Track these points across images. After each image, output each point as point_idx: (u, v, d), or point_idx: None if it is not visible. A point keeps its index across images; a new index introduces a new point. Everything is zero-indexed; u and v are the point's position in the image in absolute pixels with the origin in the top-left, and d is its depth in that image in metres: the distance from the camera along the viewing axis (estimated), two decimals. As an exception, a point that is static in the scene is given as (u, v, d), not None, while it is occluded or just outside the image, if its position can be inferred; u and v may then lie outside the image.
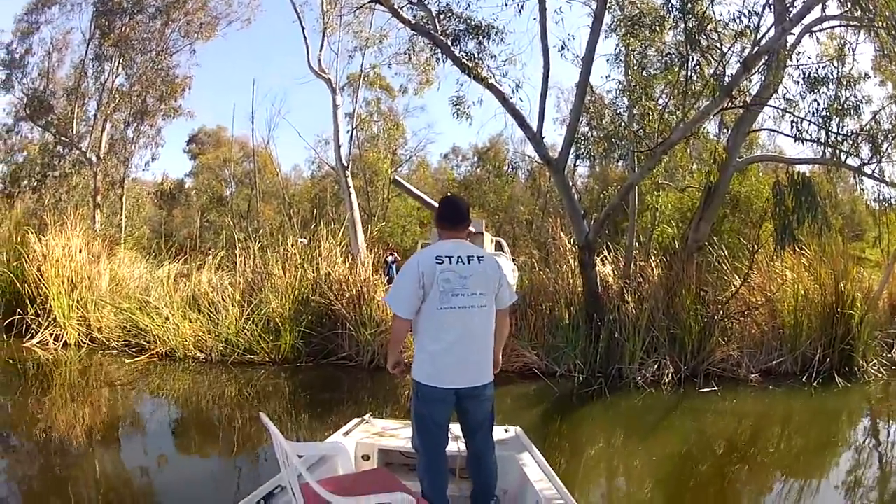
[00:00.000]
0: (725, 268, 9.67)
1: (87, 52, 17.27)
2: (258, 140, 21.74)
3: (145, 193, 21.93)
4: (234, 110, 26.54)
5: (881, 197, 10.41)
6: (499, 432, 3.95)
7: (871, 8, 7.88)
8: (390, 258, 10.94)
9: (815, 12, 8.95)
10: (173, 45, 17.63)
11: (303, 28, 13.92)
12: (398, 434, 3.89)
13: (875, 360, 9.42)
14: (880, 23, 7.98)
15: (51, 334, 9.66)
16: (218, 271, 10.24)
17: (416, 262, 2.98)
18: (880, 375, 9.20)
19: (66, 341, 9.63)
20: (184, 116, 19.89)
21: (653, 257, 9.63)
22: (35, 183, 18.79)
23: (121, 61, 17.04)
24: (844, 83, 9.14)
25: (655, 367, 8.38)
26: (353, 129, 14.59)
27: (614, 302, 8.73)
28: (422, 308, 2.94)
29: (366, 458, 3.74)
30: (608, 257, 9.67)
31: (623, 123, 9.09)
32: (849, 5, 8.44)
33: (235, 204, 24.96)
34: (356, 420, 4.16)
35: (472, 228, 10.81)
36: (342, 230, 9.89)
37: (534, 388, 8.07)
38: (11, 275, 10.45)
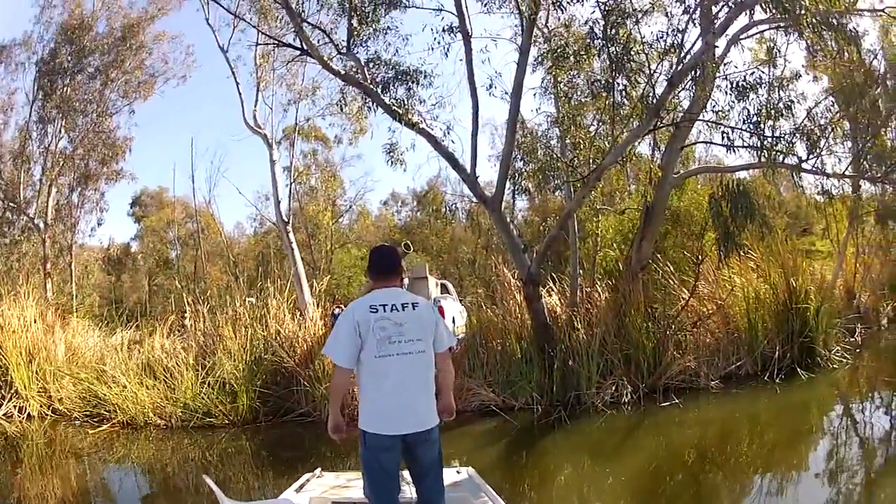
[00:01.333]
0: (672, 283, 9.88)
1: (30, 113, 17.07)
2: (199, 200, 21.84)
3: (93, 260, 21.58)
4: (174, 170, 26.27)
5: (823, 189, 10.69)
6: (450, 474, 4.04)
7: (796, 10, 8.17)
8: (337, 311, 10.96)
9: (742, 20, 9.25)
10: (113, 106, 17.55)
11: (237, 83, 13.93)
12: (351, 485, 3.93)
13: (838, 347, 9.75)
14: (805, 21, 8.26)
15: (14, 406, 9.56)
16: (170, 336, 10.14)
17: (351, 311, 3.08)
18: (845, 360, 9.55)
19: (29, 413, 9.51)
20: (125, 179, 19.61)
21: (598, 282, 9.78)
22: (-16, 251, 18.38)
23: (63, 123, 16.84)
24: (776, 85, 9.43)
25: (613, 388, 8.51)
26: (291, 183, 14.52)
27: (564, 330, 8.83)
28: (361, 357, 3.02)
29: None
30: (554, 287, 9.82)
31: (555, 155, 9.26)
32: (772, 10, 8.68)
33: (182, 266, 24.69)
34: (307, 475, 4.21)
35: (415, 274, 10.99)
36: (288, 286, 9.88)
37: (493, 424, 8.14)
38: None
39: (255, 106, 14.00)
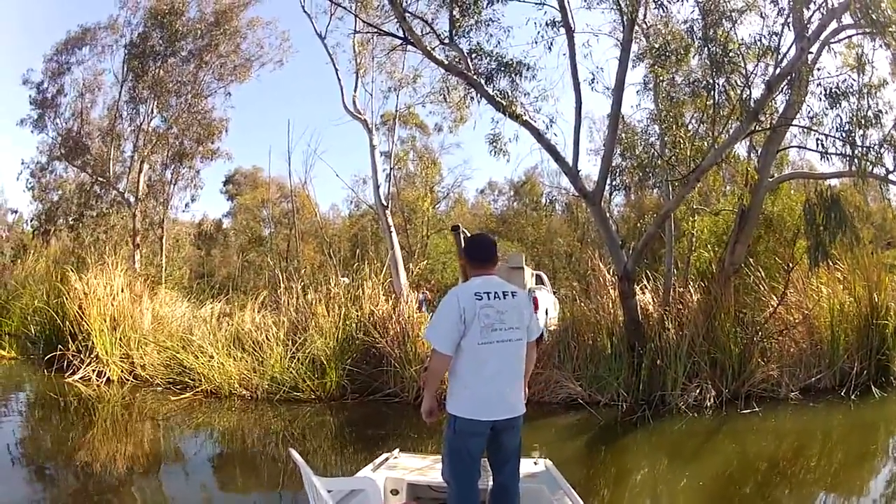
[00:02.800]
0: (762, 288, 9.68)
1: (120, 94, 17.64)
2: (295, 181, 22.14)
3: (185, 234, 22.24)
4: (270, 151, 27.11)
5: (909, 201, 10.31)
6: (528, 465, 4.04)
7: (882, 19, 7.97)
8: (421, 296, 11.11)
9: (832, 24, 9.06)
10: (207, 88, 17.97)
11: (336, 69, 13.98)
12: (426, 469, 3.97)
13: None
14: (890, 32, 8.04)
15: (93, 370, 9.84)
16: (261, 311, 10.36)
17: (455, 298, 3.08)
18: None
19: (108, 378, 9.79)
20: (221, 158, 20.15)
21: (691, 283, 9.64)
22: (71, 221, 19.17)
23: (156, 104, 17.36)
24: (865, 92, 9.18)
25: (697, 391, 8.39)
26: (391, 168, 14.69)
27: (655, 329, 8.75)
28: (461, 344, 3.03)
29: (394, 492, 3.82)
30: (647, 285, 9.73)
31: (655, 152, 9.18)
32: (860, 17, 8.51)
33: (275, 244, 25.29)
34: (385, 455, 4.23)
35: (512, 263, 11.03)
36: (385, 268, 10.01)
37: (578, 418, 8.13)
38: (52, 311, 10.75)
39: (355, 91, 14.10)
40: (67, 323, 10.34)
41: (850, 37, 9.77)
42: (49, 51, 18.69)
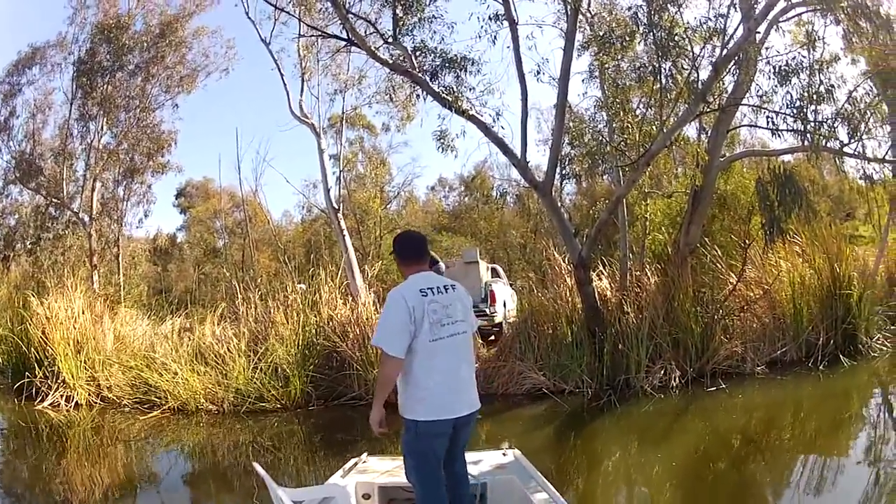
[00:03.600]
0: (720, 267, 9.79)
1: (70, 111, 17.30)
2: (246, 189, 22.01)
3: (140, 250, 21.86)
4: (219, 161, 26.59)
5: (865, 174, 10.55)
6: (496, 457, 4.07)
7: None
8: None
9: (780, 3, 9.20)
10: (155, 101, 17.71)
11: (282, 74, 13.89)
12: (397, 470, 3.90)
13: (879, 335, 9.59)
14: (841, 8, 8.21)
15: (61, 395, 9.65)
16: (220, 323, 10.26)
17: (401, 297, 2.99)
18: (885, 349, 9.36)
19: (76, 402, 9.61)
20: (172, 171, 19.88)
21: (647, 266, 9.73)
22: (29, 245, 18.79)
23: (105, 120, 17.05)
24: (816, 68, 9.35)
25: (661, 372, 8.46)
26: (340, 171, 14.63)
27: (614, 314, 8.81)
28: (412, 345, 2.94)
29: (366, 496, 3.78)
30: (604, 271, 9.78)
31: (604, 139, 9.24)
32: None
33: (230, 254, 25.06)
34: (354, 460, 4.19)
35: (467, 258, 11.04)
36: (340, 272, 9.96)
37: (543, 408, 8.16)
38: (17, 338, 10.48)
39: (301, 96, 14.01)
40: (32, 349, 10.11)
41: (799, 15, 9.96)
42: (0, 73, 18.38)
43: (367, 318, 9.00)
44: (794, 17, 9.92)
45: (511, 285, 12.10)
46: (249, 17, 13.16)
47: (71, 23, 17.44)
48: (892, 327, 10.54)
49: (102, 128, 17.13)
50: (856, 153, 9.44)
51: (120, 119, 17.28)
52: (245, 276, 12.88)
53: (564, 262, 9.46)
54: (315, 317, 9.31)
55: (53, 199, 17.56)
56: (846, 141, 9.15)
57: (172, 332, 10.66)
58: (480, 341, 9.62)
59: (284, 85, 13.86)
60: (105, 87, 16.70)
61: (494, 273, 11.78)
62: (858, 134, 9.25)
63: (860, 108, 9.50)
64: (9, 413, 9.77)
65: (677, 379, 8.36)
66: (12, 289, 13.19)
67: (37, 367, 9.88)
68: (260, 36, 13.40)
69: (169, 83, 17.46)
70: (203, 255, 26.66)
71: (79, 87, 17.05)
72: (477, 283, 10.76)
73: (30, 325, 10.31)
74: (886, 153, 10.22)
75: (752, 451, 6.24)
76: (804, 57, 9.29)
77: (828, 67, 9.65)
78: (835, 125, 9.11)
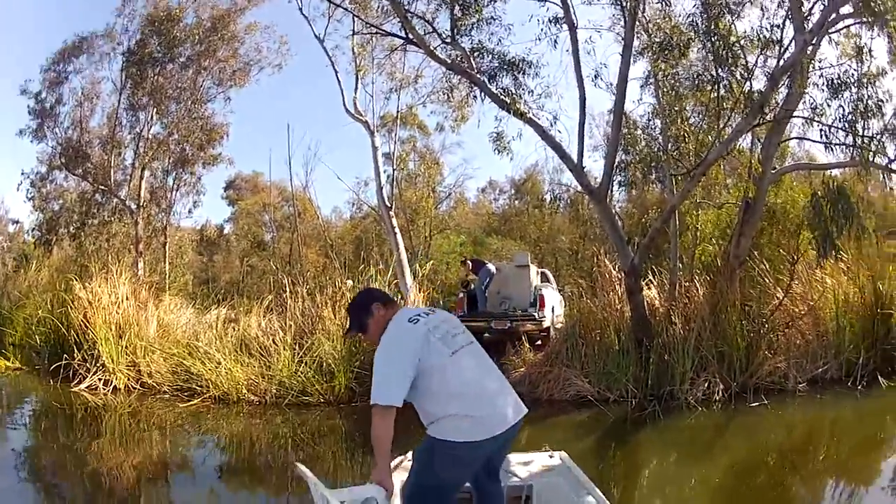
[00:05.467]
0: (768, 281, 9.66)
1: (119, 101, 17.52)
2: (296, 184, 22.09)
3: (187, 240, 22.19)
4: (270, 155, 26.91)
5: (911, 189, 10.39)
6: (543, 458, 4.01)
7: (881, 8, 8.00)
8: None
9: (831, 15, 9.06)
10: (207, 93, 17.88)
11: (336, 72, 14.00)
12: None
13: None
14: (889, 21, 8.09)
15: (100, 379, 9.76)
16: (266, 315, 10.32)
17: (395, 336, 2.70)
18: None
19: (115, 386, 9.72)
20: (223, 163, 20.00)
21: (696, 277, 9.64)
22: (73, 231, 19.05)
23: (155, 110, 17.29)
24: (864, 81, 9.20)
25: (706, 385, 8.37)
26: (393, 169, 14.65)
27: (662, 324, 8.76)
28: (427, 369, 2.61)
29: None
30: (653, 280, 9.72)
31: (659, 147, 9.17)
32: (860, 5, 8.55)
33: (277, 248, 25.28)
34: (398, 458, 4.16)
35: (518, 262, 11.01)
36: (390, 270, 9.98)
37: (587, 415, 8.11)
38: (56, 321, 10.70)
39: (356, 93, 14.09)
40: (72, 332, 10.27)
41: (847, 26, 9.81)
42: (46, 61, 18.60)
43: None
44: (842, 28, 9.80)
45: (560, 291, 12.07)
46: (303, 14, 13.30)
47: (119, 14, 17.65)
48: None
49: (152, 118, 17.37)
50: (903, 168, 9.30)
51: (171, 110, 17.48)
52: (293, 270, 12.94)
53: (615, 269, 9.41)
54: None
55: (100, 187, 17.84)
56: (893, 157, 9.02)
57: (217, 322, 10.73)
58: (527, 346, 9.58)
59: (339, 82, 14.01)
60: (155, 77, 16.91)
61: (544, 278, 11.75)
62: (906, 149, 9.13)
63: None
64: (44, 393, 9.93)
65: (721, 392, 8.29)
66: (54, 272, 13.48)
67: (76, 350, 10.03)
68: (314, 32, 13.53)
69: (221, 76, 17.62)
70: (250, 248, 26.94)
71: (128, 78, 17.23)
72: (527, 287, 10.75)
73: (71, 308, 10.50)
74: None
75: (788, 469, 6.15)
76: (854, 70, 9.20)
77: (875, 81, 9.55)
78: (883, 140, 9.00)
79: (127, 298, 10.86)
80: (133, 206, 17.25)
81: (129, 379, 9.85)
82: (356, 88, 14.06)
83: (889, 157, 9.00)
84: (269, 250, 25.14)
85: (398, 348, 2.63)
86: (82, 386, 9.68)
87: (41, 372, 10.82)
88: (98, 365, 9.92)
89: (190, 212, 20.44)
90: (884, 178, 10.79)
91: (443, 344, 2.64)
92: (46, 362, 10.66)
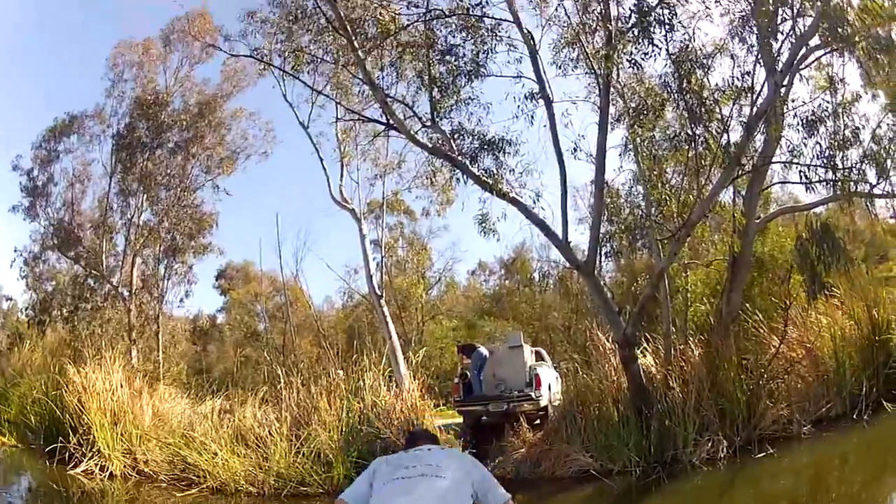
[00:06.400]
0: (762, 331, 9.61)
1: (110, 185, 17.76)
2: (287, 274, 22.26)
3: (180, 329, 22.10)
4: (260, 244, 27.60)
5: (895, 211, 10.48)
6: None
7: (849, 32, 8.19)
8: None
9: (800, 51, 9.25)
10: (195, 181, 18.07)
11: (321, 159, 14.13)
12: None
13: None
14: (857, 42, 8.26)
15: (96, 464, 9.62)
16: (262, 406, 10.26)
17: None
18: None
19: (111, 472, 9.57)
20: (213, 253, 19.88)
21: (690, 338, 9.58)
22: (66, 313, 18.89)
23: (145, 197, 17.42)
24: (840, 111, 9.34)
25: (709, 444, 8.21)
26: (382, 257, 14.70)
27: (660, 390, 8.66)
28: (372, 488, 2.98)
29: None
30: (647, 347, 9.65)
31: (642, 213, 9.22)
32: (828, 35, 8.74)
33: (270, 338, 25.29)
34: None
35: (511, 343, 10.96)
36: (384, 359, 9.91)
37: (591, 490, 7.96)
38: (51, 403, 10.54)
39: (341, 180, 14.23)
40: (67, 415, 10.17)
41: (818, 58, 10.00)
42: (37, 138, 18.87)
43: (411, 405, 8.95)
44: (813, 61, 9.98)
45: (556, 367, 11.99)
46: (287, 101, 13.54)
47: (108, 95, 18.08)
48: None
49: (142, 204, 17.55)
50: (885, 192, 9.48)
51: (160, 196, 17.65)
52: (286, 361, 12.88)
53: (608, 341, 9.35)
54: (359, 403, 9.27)
55: (93, 271, 17.84)
56: (874, 182, 9.19)
57: (212, 413, 10.64)
58: (526, 426, 9.48)
59: (324, 169, 14.16)
60: (145, 163, 17.14)
61: (538, 356, 11.68)
62: (886, 172, 9.29)
63: (885, 146, 9.52)
64: (41, 475, 9.79)
65: (725, 449, 8.14)
66: (48, 354, 13.39)
67: (71, 434, 9.90)
68: (298, 119, 13.79)
69: (209, 163, 17.87)
70: (243, 338, 26.96)
71: (118, 161, 17.49)
72: (522, 368, 10.63)
73: (65, 391, 10.41)
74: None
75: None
76: (828, 102, 9.34)
77: (850, 108, 9.71)
78: (863, 167, 9.10)
79: (121, 386, 10.78)
80: (125, 293, 17.20)
81: (125, 466, 9.74)
82: (342, 175, 14.23)
83: (871, 183, 9.07)
84: (262, 340, 25.16)
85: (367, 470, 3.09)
86: (78, 470, 9.53)
87: (37, 451, 10.65)
88: (94, 450, 9.78)
89: (182, 301, 20.36)
90: (867, 205, 10.81)
91: (390, 470, 2.97)
92: (42, 442, 10.48)
